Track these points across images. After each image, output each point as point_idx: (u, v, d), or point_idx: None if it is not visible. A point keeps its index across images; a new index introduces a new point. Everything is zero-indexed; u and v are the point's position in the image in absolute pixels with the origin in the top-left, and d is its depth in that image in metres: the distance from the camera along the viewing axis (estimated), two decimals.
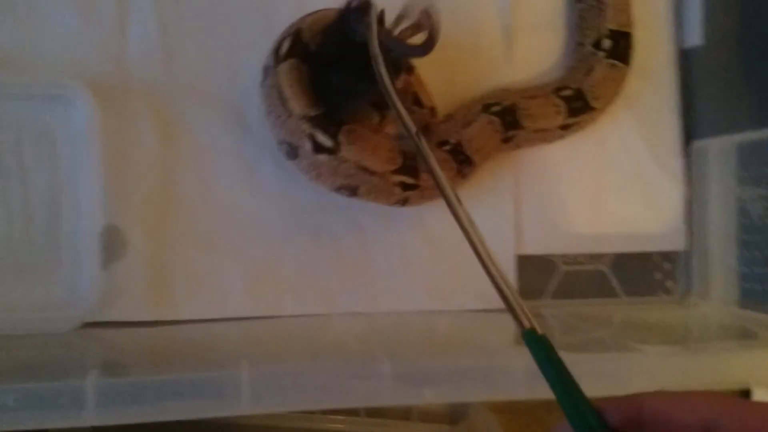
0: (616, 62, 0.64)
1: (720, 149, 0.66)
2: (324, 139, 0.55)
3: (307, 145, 0.55)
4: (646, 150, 0.68)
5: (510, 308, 0.39)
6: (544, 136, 0.64)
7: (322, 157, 0.55)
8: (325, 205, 0.63)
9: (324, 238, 0.63)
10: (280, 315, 0.62)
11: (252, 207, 0.62)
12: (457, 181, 0.59)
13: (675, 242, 0.68)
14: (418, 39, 0.51)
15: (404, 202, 0.59)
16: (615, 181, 0.68)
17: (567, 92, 0.63)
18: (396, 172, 0.57)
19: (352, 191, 0.58)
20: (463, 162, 0.60)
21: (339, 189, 0.58)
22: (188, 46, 0.61)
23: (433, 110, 0.62)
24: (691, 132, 0.69)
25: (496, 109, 0.62)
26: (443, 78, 0.64)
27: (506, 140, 0.62)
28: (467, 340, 0.63)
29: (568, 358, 0.36)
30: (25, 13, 0.59)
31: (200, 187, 0.61)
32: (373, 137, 0.57)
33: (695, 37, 0.68)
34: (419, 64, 0.60)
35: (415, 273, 0.65)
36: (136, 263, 0.59)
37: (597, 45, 0.65)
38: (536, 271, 0.67)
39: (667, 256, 0.69)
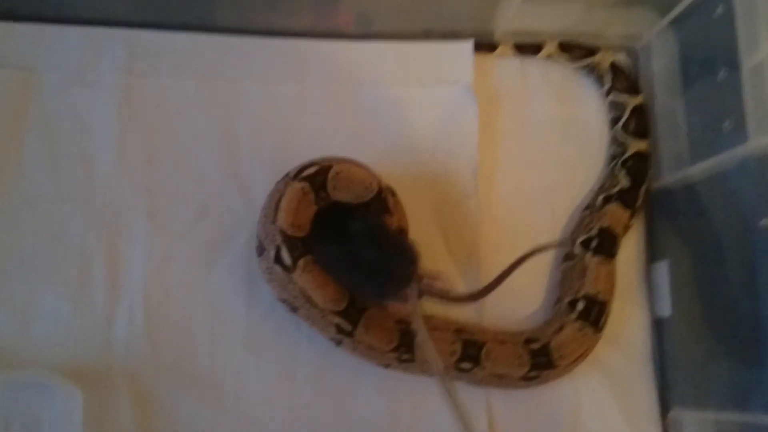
0: (586, 326, 0.66)
1: (695, 422, 0.65)
2: (286, 257, 0.59)
3: (272, 252, 0.59)
4: (623, 420, 0.68)
5: None
6: (504, 382, 0.65)
7: (278, 269, 0.60)
8: None
9: None
10: None
11: None
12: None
13: None
14: None
15: (338, 342, 0.63)
16: None
17: (535, 345, 0.65)
18: (337, 313, 0.60)
19: (293, 309, 0.62)
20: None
21: (282, 301, 0.63)
22: (171, 328, 0.65)
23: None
24: (667, 403, 0.68)
25: (465, 336, 0.64)
26: None
27: (460, 369, 0.63)
28: None
29: None
30: (21, 305, 0.64)
31: None
32: (328, 278, 0.60)
33: (665, 308, 0.69)
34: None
35: None
36: None
37: (572, 305, 0.67)
38: None
39: None
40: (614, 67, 0.73)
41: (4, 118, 0.67)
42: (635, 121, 0.72)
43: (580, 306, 0.66)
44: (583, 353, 0.66)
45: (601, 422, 0.68)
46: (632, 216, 0.70)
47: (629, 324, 0.70)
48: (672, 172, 0.69)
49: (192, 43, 0.70)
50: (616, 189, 0.70)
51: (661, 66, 0.71)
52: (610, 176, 0.72)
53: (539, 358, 0.64)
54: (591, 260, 0.68)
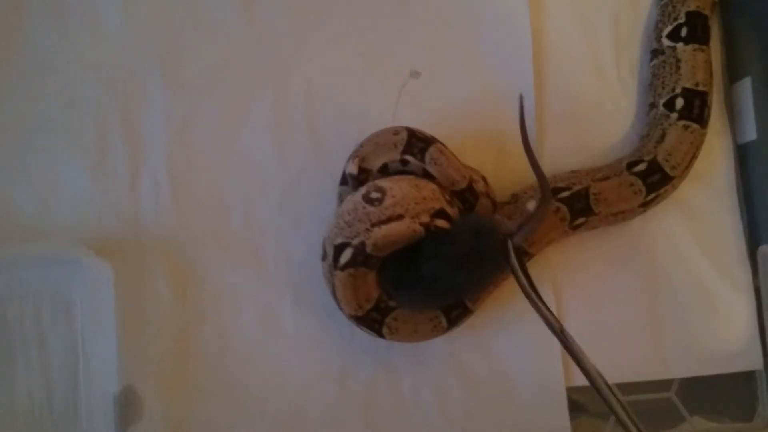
0: (690, 124, 0.58)
1: None
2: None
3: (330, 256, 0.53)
4: (707, 260, 0.61)
5: None
6: (623, 216, 0.59)
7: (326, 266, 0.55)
8: (350, 347, 0.59)
9: (350, 383, 0.59)
10: None
11: (272, 355, 0.59)
12: None
13: (751, 361, 0.60)
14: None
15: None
16: (673, 298, 0.60)
17: (641, 166, 0.58)
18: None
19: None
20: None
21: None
22: (199, 194, 0.60)
23: (493, 202, 0.58)
24: (756, 238, 0.61)
25: (564, 194, 0.57)
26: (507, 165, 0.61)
27: (575, 227, 0.58)
28: None
29: None
30: (40, 181, 0.60)
31: (218, 340, 0.59)
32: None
33: (750, 132, 0.60)
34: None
35: (452, 412, 0.59)
36: (153, 425, 0.57)
37: (670, 106, 0.59)
38: (593, 404, 0.60)
39: (743, 378, 0.60)
40: None
41: None
42: None
43: (680, 103, 0.59)
44: (695, 153, 0.59)
45: (682, 265, 0.61)
46: None
47: (709, 155, 0.61)
48: None
49: None
50: None
51: None
52: None
53: (651, 178, 0.58)
54: (684, 50, 0.60)
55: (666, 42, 0.61)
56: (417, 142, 0.54)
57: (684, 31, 0.60)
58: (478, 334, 0.60)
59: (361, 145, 0.56)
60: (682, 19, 0.61)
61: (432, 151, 0.54)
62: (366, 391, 0.59)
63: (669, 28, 0.61)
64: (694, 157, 0.59)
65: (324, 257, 0.54)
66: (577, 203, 0.57)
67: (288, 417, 0.59)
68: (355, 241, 0.51)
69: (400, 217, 0.51)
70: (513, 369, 0.60)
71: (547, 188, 0.55)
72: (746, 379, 0.61)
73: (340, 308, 0.55)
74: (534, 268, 0.56)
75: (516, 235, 0.53)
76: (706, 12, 0.61)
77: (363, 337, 0.57)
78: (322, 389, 0.59)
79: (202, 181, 0.60)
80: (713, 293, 0.61)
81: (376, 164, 0.55)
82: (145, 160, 0.60)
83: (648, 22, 0.64)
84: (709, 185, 0.62)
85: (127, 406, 0.57)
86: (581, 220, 0.57)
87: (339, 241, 0.52)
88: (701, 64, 0.60)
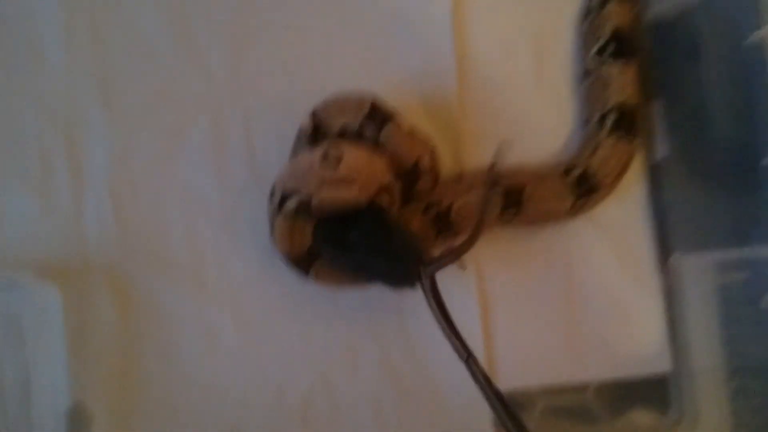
0: (621, 137, 0.63)
1: (696, 265, 0.62)
2: (296, 269, 0.59)
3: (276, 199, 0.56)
4: (620, 268, 0.65)
5: None
6: (552, 216, 0.64)
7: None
8: (287, 362, 0.63)
9: (288, 398, 0.63)
10: None
11: (212, 372, 0.62)
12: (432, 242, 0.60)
13: (660, 365, 0.65)
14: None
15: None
16: (589, 304, 0.65)
17: (575, 173, 0.62)
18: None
19: None
20: (444, 229, 0.60)
21: None
22: (142, 217, 0.63)
23: (436, 176, 0.61)
24: (667, 249, 0.65)
25: (503, 182, 0.61)
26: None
27: (505, 218, 0.62)
28: None
29: None
30: None
31: (162, 357, 0.62)
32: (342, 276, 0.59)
33: (661, 150, 0.64)
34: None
35: (387, 422, 0.63)
36: None
37: (602, 121, 0.63)
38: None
39: (652, 381, 0.65)
40: None
41: None
42: None
43: (611, 118, 0.63)
44: (624, 166, 0.63)
45: (598, 275, 0.65)
46: (635, 4, 0.65)
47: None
48: (661, 1, 0.63)
49: None
50: None
51: None
52: None
53: (583, 185, 0.62)
54: (612, 67, 0.63)
55: (594, 60, 0.64)
56: (378, 115, 0.58)
57: (611, 48, 0.64)
58: (410, 341, 0.64)
59: (326, 104, 0.59)
60: (607, 37, 0.64)
61: (390, 126, 0.58)
62: (303, 404, 0.63)
63: (596, 47, 0.64)
64: (624, 168, 0.63)
65: (271, 195, 0.57)
66: (511, 194, 0.61)
67: None
68: (303, 194, 0.54)
69: (350, 184, 0.54)
70: (444, 376, 0.64)
71: (480, 227, 0.56)
72: (659, 381, 0.65)
73: (274, 245, 0.58)
74: (462, 276, 0.61)
75: (432, 265, 0.56)
76: (630, 28, 0.64)
77: (300, 351, 0.61)
78: (261, 404, 0.63)
79: (144, 205, 0.63)
80: (626, 300, 0.65)
81: (335, 125, 0.58)
82: (89, 185, 0.63)
83: (572, 41, 0.67)
84: (623, 198, 0.65)
85: (77, 422, 0.60)
86: (512, 211, 0.61)
87: (288, 188, 0.55)
88: (629, 80, 0.63)
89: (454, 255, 0.55)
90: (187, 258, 0.63)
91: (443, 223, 0.61)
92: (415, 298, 0.60)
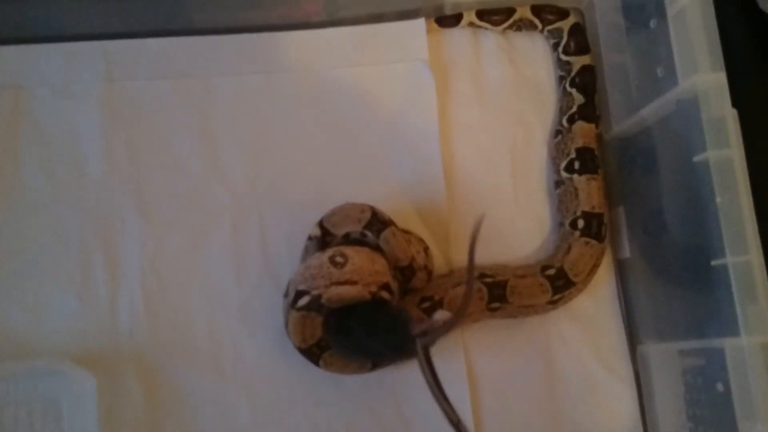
0: (590, 240, 0.71)
1: (661, 354, 0.69)
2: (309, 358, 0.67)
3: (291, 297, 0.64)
4: (595, 356, 0.73)
5: None
6: (533, 310, 0.71)
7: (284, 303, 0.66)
8: None
9: None
10: None
11: None
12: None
13: None
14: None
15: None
16: (567, 391, 0.72)
17: (551, 271, 0.70)
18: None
19: None
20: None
21: None
22: (169, 310, 0.71)
23: (429, 273, 0.70)
24: (635, 339, 0.73)
25: (488, 280, 0.69)
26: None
27: (491, 310, 0.70)
28: None
29: None
30: (32, 302, 0.71)
31: None
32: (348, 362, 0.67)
33: (624, 250, 0.73)
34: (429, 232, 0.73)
35: None
36: None
37: (573, 225, 0.72)
38: None
39: None
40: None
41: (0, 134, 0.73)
42: (574, 41, 0.76)
43: (581, 224, 0.72)
44: (595, 264, 0.71)
45: (575, 362, 0.73)
46: (597, 126, 0.75)
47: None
48: (621, 122, 0.73)
49: (164, 47, 0.76)
50: (575, 107, 0.75)
51: (604, 22, 0.75)
52: (564, 97, 0.76)
53: (558, 282, 0.70)
54: (579, 180, 0.73)
55: (564, 174, 0.74)
56: (377, 222, 0.66)
57: (576, 164, 0.73)
58: (404, 418, 0.71)
59: (332, 214, 0.67)
60: (573, 155, 0.74)
61: (387, 232, 0.66)
62: None
63: (564, 162, 0.74)
64: (595, 266, 0.71)
65: (286, 294, 0.65)
66: (496, 290, 0.69)
67: None
68: (314, 292, 0.62)
69: (354, 282, 0.62)
70: (422, 417, 0.70)
71: (464, 310, 0.62)
72: None
73: (288, 337, 0.66)
74: (451, 359, 0.69)
75: (425, 338, 0.62)
76: (593, 146, 0.74)
77: (306, 429, 0.69)
78: None
79: (171, 299, 0.72)
80: (600, 384, 0.72)
81: (340, 231, 0.67)
82: (123, 283, 0.71)
83: (545, 155, 0.77)
84: (595, 293, 0.74)
85: None
86: (496, 304, 0.69)
87: (301, 287, 0.63)
88: (595, 191, 0.73)
89: (446, 327, 0.60)
90: (207, 346, 0.71)
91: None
92: (408, 383, 0.69)
